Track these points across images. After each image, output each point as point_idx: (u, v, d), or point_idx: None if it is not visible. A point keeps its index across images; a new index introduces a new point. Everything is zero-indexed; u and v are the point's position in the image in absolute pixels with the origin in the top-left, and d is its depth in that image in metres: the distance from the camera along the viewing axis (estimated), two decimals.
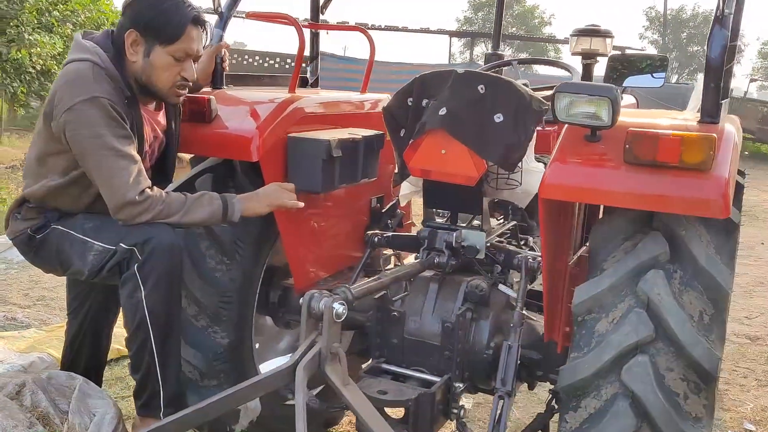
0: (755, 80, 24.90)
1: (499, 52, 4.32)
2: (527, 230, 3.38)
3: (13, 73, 8.46)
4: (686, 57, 42.17)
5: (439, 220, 3.09)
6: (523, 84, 2.84)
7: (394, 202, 3.32)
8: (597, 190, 2.06)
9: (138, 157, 2.32)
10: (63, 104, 2.25)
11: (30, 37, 8.15)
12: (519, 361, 2.46)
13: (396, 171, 2.83)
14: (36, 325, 4.40)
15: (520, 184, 2.70)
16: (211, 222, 2.43)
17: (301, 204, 2.56)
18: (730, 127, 2.14)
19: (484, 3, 41.01)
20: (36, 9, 8.34)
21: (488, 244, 2.77)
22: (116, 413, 2.37)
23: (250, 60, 19.27)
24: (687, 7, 44.92)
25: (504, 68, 4.08)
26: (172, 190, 2.47)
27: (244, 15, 3.02)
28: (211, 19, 2.83)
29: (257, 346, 2.99)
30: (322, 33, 3.72)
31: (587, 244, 2.33)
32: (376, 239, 3.03)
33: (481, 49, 32.74)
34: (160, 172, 2.61)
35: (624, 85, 3.76)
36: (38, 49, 8.36)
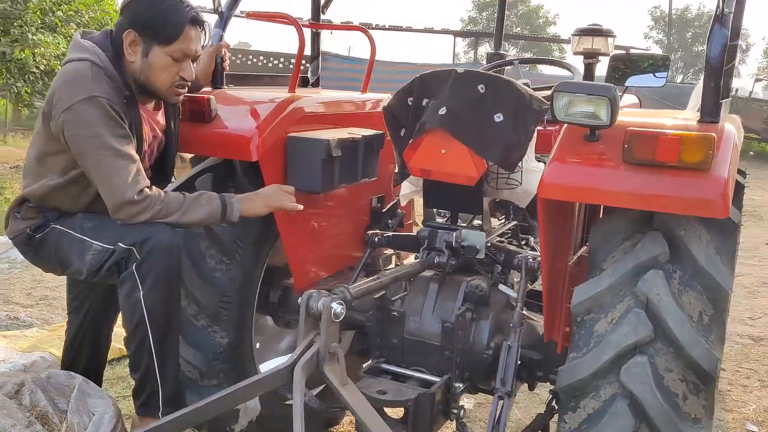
0: (760, 80, 24.77)
1: (501, 52, 4.32)
2: (528, 230, 3.37)
3: (17, 73, 8.48)
4: (691, 57, 42.10)
5: (439, 219, 3.09)
6: (524, 84, 2.84)
7: (394, 201, 3.31)
8: (596, 189, 2.05)
9: (137, 157, 2.33)
10: (62, 104, 2.26)
11: (33, 37, 8.17)
12: (519, 362, 2.46)
13: (396, 171, 2.83)
14: (38, 324, 4.41)
15: (521, 183, 2.70)
16: (210, 222, 2.43)
17: (301, 207, 2.56)
18: (730, 126, 2.13)
19: (488, 3, 40.97)
20: (40, 9, 8.36)
21: (488, 244, 2.77)
22: (115, 412, 2.37)
23: (254, 60, 19.31)
24: (692, 6, 45.01)
25: (506, 68, 4.08)
26: (172, 190, 2.47)
27: (244, 14, 3.02)
28: (212, 19, 2.83)
29: (258, 345, 2.99)
30: (326, 33, 3.72)
31: (588, 244, 2.32)
32: (376, 239, 3.03)
33: (486, 49, 32.65)
34: (160, 172, 2.61)
35: (626, 84, 3.75)
36: (42, 49, 8.38)
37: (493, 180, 2.70)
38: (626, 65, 3.70)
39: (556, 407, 2.43)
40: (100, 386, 2.80)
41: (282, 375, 2.11)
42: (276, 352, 3.28)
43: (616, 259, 2.10)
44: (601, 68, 3.84)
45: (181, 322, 2.52)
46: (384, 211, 3.31)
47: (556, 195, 2.08)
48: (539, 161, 2.74)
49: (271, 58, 19.19)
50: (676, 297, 2.00)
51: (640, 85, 3.81)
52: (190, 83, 2.49)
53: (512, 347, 2.43)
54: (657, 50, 37.44)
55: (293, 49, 2.89)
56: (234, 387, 2.13)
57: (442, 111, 2.51)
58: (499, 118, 2.50)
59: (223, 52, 2.86)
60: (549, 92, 2.27)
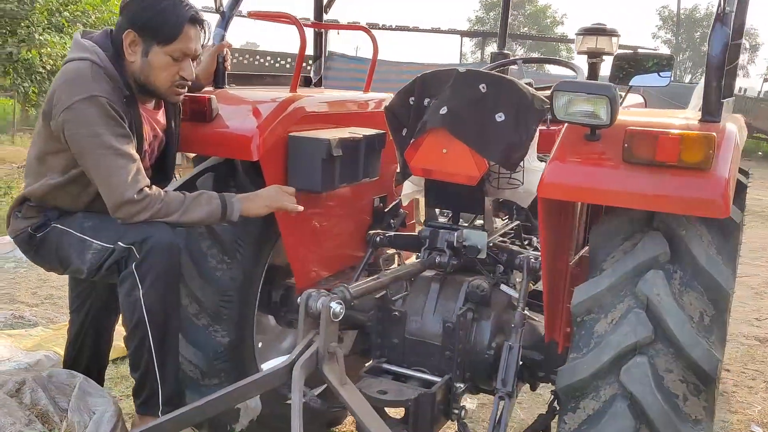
0: None
1: (505, 52, 4.31)
2: (531, 230, 3.36)
3: (24, 74, 8.52)
4: (699, 57, 41.84)
5: (442, 219, 3.08)
6: (527, 83, 2.83)
7: (396, 201, 3.31)
8: (596, 189, 2.04)
9: (137, 156, 2.33)
10: (62, 103, 2.26)
11: (40, 38, 8.21)
12: (521, 362, 2.45)
13: (398, 170, 2.82)
14: (43, 323, 4.43)
15: (522, 183, 2.69)
16: (210, 221, 2.43)
17: (301, 208, 2.56)
18: (732, 126, 2.11)
19: (495, 3, 40.89)
20: (46, 9, 8.40)
21: (490, 244, 2.76)
22: (115, 411, 2.37)
23: (262, 60, 19.35)
24: (700, 6, 44.69)
25: (511, 68, 4.06)
26: (173, 189, 2.47)
27: (246, 14, 3.02)
28: (213, 19, 2.84)
29: (260, 345, 2.99)
30: (334, 34, 3.72)
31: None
32: (377, 239, 3.03)
33: (493, 49, 32.64)
34: (160, 171, 2.61)
35: (630, 84, 3.73)
36: (48, 49, 8.41)
37: (494, 180, 2.70)
38: (630, 65, 3.68)
39: (558, 408, 2.42)
40: (102, 385, 2.81)
41: (281, 374, 2.12)
42: (278, 351, 3.28)
43: (616, 259, 2.09)
44: (607, 68, 3.83)
45: (181, 321, 2.52)
46: (386, 210, 3.30)
47: (556, 194, 2.08)
48: (541, 161, 2.73)
49: (278, 59, 19.22)
50: (676, 297, 1.99)
51: (645, 84, 3.78)
52: (190, 82, 2.50)
53: (513, 347, 2.43)
54: (665, 50, 37.31)
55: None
56: (233, 386, 2.14)
57: (444, 110, 2.50)
58: (500, 117, 2.49)
59: (224, 52, 2.86)
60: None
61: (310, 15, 3.71)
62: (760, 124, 17.53)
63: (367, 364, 2.71)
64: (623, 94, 2.66)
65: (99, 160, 2.26)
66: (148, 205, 2.30)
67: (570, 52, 36.40)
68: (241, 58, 18.57)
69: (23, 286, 5.25)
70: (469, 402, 3.62)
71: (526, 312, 2.54)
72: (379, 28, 21.86)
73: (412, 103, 2.66)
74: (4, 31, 8.24)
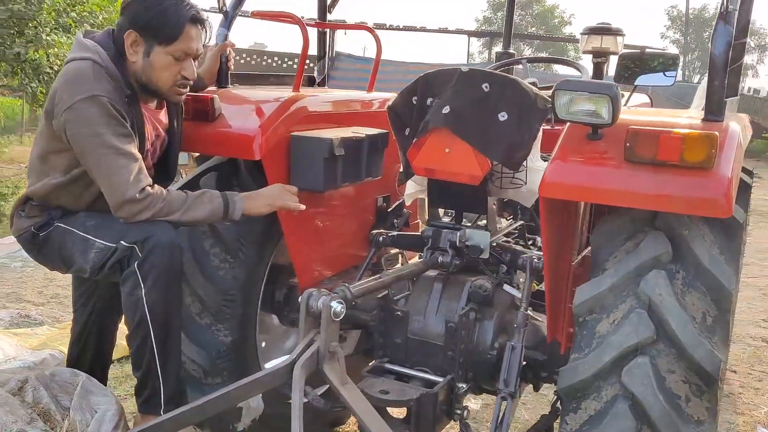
0: None
1: (510, 51, 4.30)
2: (535, 230, 3.35)
3: (32, 74, 8.55)
4: (708, 57, 41.67)
5: (445, 219, 3.07)
6: (531, 83, 2.82)
7: (400, 201, 3.30)
8: (597, 188, 2.03)
9: (138, 155, 2.33)
10: (63, 103, 2.27)
11: (47, 38, 8.23)
12: (524, 362, 2.44)
13: (401, 170, 2.82)
14: (49, 322, 4.45)
15: (526, 183, 2.68)
16: (212, 220, 2.43)
17: (303, 207, 2.56)
18: (735, 125, 2.10)
19: (503, 3, 40.66)
20: (54, 10, 8.43)
21: (494, 244, 2.75)
22: (118, 410, 2.38)
23: (269, 61, 19.40)
24: (709, 6, 44.49)
25: (516, 67, 4.05)
26: (177, 188, 2.48)
27: (249, 14, 3.03)
28: (216, 19, 2.84)
29: (263, 344, 2.99)
30: (341, 34, 3.73)
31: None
32: (380, 238, 3.02)
33: (500, 49, 32.59)
34: (163, 171, 2.61)
35: (635, 83, 3.72)
36: (55, 49, 8.44)
37: (497, 179, 2.69)
38: (636, 64, 3.68)
39: (561, 408, 2.41)
40: (105, 384, 2.82)
41: (282, 374, 2.12)
42: (281, 351, 3.28)
43: (618, 259, 2.08)
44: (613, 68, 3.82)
45: (183, 320, 2.53)
46: (389, 210, 3.30)
47: (557, 194, 2.06)
48: (545, 161, 2.72)
49: (286, 59, 19.27)
50: (678, 297, 1.98)
51: (650, 84, 3.78)
52: (192, 82, 2.50)
53: (516, 348, 2.42)
54: (674, 50, 37.15)
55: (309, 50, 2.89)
56: (233, 385, 2.14)
57: (446, 110, 2.49)
58: (503, 117, 2.48)
59: (227, 52, 2.87)
60: None
61: (315, 15, 3.71)
62: None
63: (369, 364, 2.71)
64: (626, 93, 2.64)
65: (100, 159, 2.27)
66: (150, 204, 2.30)
67: (578, 52, 36.29)
68: (248, 59, 18.62)
69: (30, 285, 5.28)
70: (473, 402, 3.62)
71: (529, 312, 2.53)
72: (387, 29, 21.86)
73: (415, 102, 2.65)
74: (12, 31, 8.28)
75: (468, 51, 28.57)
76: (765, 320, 5.42)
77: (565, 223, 2.41)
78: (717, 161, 1.90)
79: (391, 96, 2.93)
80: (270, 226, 2.70)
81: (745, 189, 2.38)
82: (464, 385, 2.53)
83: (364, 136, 2.79)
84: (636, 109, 2.90)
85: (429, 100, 2.61)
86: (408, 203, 3.19)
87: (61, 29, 8.60)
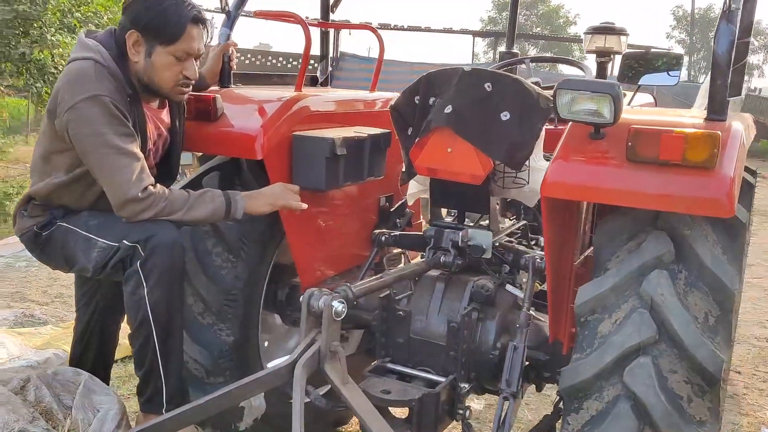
0: None
1: (513, 51, 4.29)
2: (538, 230, 3.34)
3: (37, 74, 8.58)
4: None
5: (448, 219, 3.07)
6: (534, 82, 2.81)
7: (403, 200, 3.30)
8: (599, 188, 2.02)
9: (141, 155, 2.34)
10: (65, 103, 2.28)
11: (52, 38, 8.26)
12: (527, 362, 2.44)
13: (403, 169, 2.82)
14: (53, 322, 4.46)
15: (528, 182, 2.67)
16: (214, 219, 2.43)
17: (305, 206, 2.56)
18: (738, 124, 2.09)
19: (508, 3, 40.81)
20: (59, 10, 8.46)
21: (496, 244, 2.75)
22: (120, 409, 2.38)
23: (274, 61, 19.41)
24: (715, 6, 44.38)
25: (520, 67, 4.05)
26: (179, 188, 2.48)
27: (252, 14, 3.03)
28: (219, 18, 2.84)
29: (266, 344, 3.00)
30: (345, 34, 3.73)
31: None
32: (383, 238, 3.02)
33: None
34: (165, 170, 2.62)
35: (639, 83, 3.71)
36: (60, 49, 8.47)
37: (500, 179, 2.68)
38: (639, 64, 3.67)
39: (563, 408, 2.41)
40: (108, 383, 2.82)
41: (283, 373, 2.11)
42: (284, 350, 3.28)
43: (621, 259, 2.07)
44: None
45: (185, 319, 2.53)
46: (392, 210, 3.30)
47: (559, 193, 2.06)
48: (547, 160, 2.72)
49: (290, 59, 19.27)
50: (681, 297, 1.97)
51: (653, 83, 3.76)
52: (193, 82, 2.50)
53: (518, 348, 2.41)
54: (679, 50, 37.05)
55: (313, 50, 2.89)
56: (234, 384, 2.14)
57: (448, 109, 2.49)
58: (505, 116, 2.48)
59: (230, 51, 2.87)
60: None
61: (315, 14, 3.72)
62: None
63: (371, 364, 2.71)
64: (628, 93, 2.63)
65: (103, 159, 2.27)
66: (153, 203, 2.30)
67: (583, 52, 36.23)
68: (253, 59, 18.63)
69: (34, 284, 5.29)
70: (475, 402, 3.61)
71: (531, 312, 2.52)
72: (391, 29, 21.85)
73: (417, 102, 2.65)
74: (17, 31, 8.31)
75: (473, 51, 28.54)
76: None
77: (567, 222, 2.41)
78: (719, 161, 1.89)
79: (394, 96, 2.93)
80: (272, 226, 2.70)
81: (748, 189, 2.37)
82: (466, 385, 2.53)
83: (366, 135, 2.79)
84: (638, 109, 2.89)
85: (431, 100, 2.61)
86: (410, 203, 3.19)
87: (65, 29, 8.63)
